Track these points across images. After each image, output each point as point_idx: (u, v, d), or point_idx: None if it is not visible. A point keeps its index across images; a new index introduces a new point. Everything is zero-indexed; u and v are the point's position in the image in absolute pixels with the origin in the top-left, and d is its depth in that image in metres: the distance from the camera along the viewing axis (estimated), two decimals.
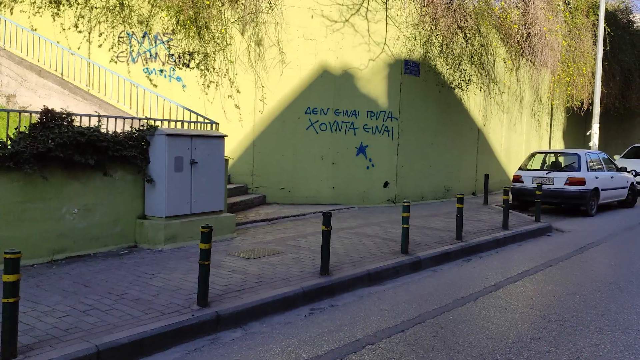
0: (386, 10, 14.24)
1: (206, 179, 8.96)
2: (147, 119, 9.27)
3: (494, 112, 18.43)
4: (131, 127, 8.83)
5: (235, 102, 13.11)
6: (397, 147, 14.78)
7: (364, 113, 14.22)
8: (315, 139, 13.72)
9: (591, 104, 21.22)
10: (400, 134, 14.80)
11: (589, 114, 21.70)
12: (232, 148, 13.06)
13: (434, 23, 15.12)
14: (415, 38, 14.81)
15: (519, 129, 20.13)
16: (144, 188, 8.51)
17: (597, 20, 20.42)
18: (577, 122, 24.63)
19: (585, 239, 11.11)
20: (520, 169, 15.72)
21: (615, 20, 24.17)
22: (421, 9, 14.84)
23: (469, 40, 16.24)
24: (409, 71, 14.89)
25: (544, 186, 14.39)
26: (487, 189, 15.50)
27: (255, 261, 7.74)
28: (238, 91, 13.12)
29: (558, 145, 23.71)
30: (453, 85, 16.15)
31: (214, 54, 12.96)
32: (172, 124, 10.35)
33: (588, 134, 20.59)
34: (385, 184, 14.70)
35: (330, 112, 13.82)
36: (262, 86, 13.24)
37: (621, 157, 20.70)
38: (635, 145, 21.54)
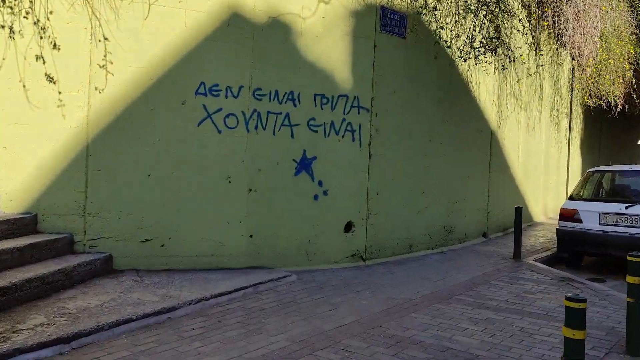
0: None
1: None
2: None
3: (510, 108, 12.24)
4: None
5: (48, 68, 6.49)
6: (367, 161, 8.38)
7: (309, 98, 7.79)
8: (216, 143, 7.21)
9: (630, 103, 15.39)
10: (373, 137, 8.41)
11: (630, 116, 15.84)
12: (37, 162, 6.45)
13: None
14: None
15: (537, 134, 14.01)
16: None
17: None
18: (591, 126, 18.72)
19: None
20: (571, 198, 9.50)
21: None
22: None
23: None
24: (388, 27, 8.53)
25: (620, 230, 8.29)
26: (519, 234, 9.15)
27: None
28: (55, 46, 6.50)
29: (576, 158, 17.74)
30: (457, 56, 9.87)
31: None
32: None
33: None
34: (348, 226, 8.27)
35: (244, 94, 7.33)
36: (105, 38, 6.65)
37: None
38: None
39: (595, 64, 13.99)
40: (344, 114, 8.09)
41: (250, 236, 7.43)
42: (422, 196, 9.37)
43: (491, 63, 10.73)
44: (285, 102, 7.61)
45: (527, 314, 5.85)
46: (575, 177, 17.65)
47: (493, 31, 10.43)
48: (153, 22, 6.84)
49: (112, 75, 6.69)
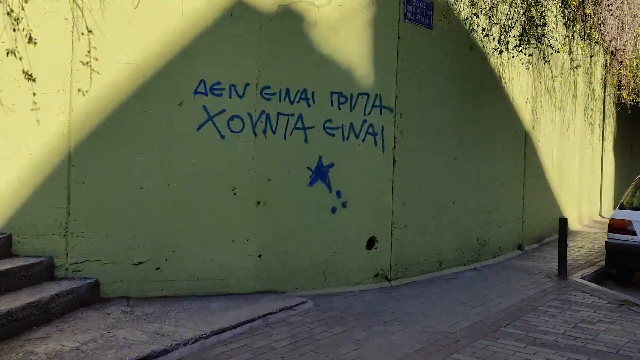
0: None
1: None
2: None
3: (545, 107, 11.17)
4: None
5: (25, 65, 5.59)
6: (391, 167, 7.39)
7: (325, 97, 6.82)
8: (219, 149, 6.26)
9: None
10: (397, 141, 7.41)
11: None
12: (11, 174, 5.56)
13: None
14: None
15: (571, 134, 12.91)
16: None
17: None
18: (623, 126, 17.53)
19: None
20: (622, 207, 8.43)
21: None
22: None
23: None
24: (413, 16, 7.54)
25: None
26: (564, 249, 8.06)
27: None
28: (30, 40, 5.60)
29: (609, 160, 16.57)
30: (490, 49, 8.85)
31: None
32: None
33: None
34: (371, 242, 7.27)
35: (251, 93, 6.38)
36: (89, 31, 5.74)
37: None
38: None
39: (636, 57, 12.87)
40: (365, 114, 7.11)
41: (259, 256, 6.47)
42: (453, 206, 8.35)
43: (528, 56, 9.68)
44: (298, 102, 6.65)
45: (594, 354, 4.81)
46: (609, 181, 16.49)
47: (528, 21, 9.39)
48: (145, 12, 5.92)
49: (98, 73, 5.77)
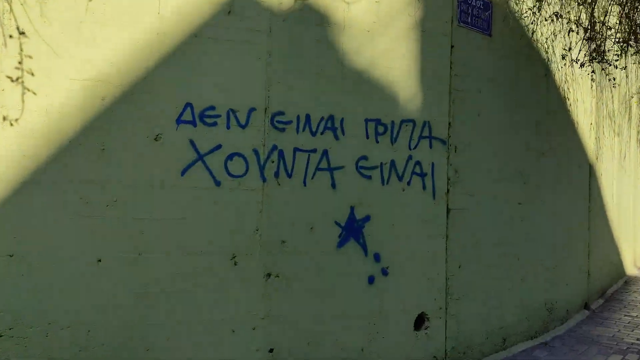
0: None
1: None
2: None
3: (606, 132, 9.35)
4: None
5: None
6: (445, 218, 5.52)
7: (358, 126, 4.98)
8: (213, 202, 4.41)
9: None
10: (452, 183, 5.56)
11: None
12: None
13: None
14: None
15: (627, 165, 11.07)
16: None
17: None
18: None
19: None
20: None
21: None
22: None
23: None
24: (467, 19, 5.74)
25: None
26: None
27: None
28: None
29: None
30: (555, 61, 7.05)
31: None
32: None
33: None
34: (420, 321, 5.37)
35: (257, 121, 4.55)
36: (21, 33, 3.91)
37: None
38: None
39: None
40: (410, 148, 5.27)
41: (270, 350, 4.56)
42: (517, 263, 6.45)
43: (591, 73, 7.89)
44: (322, 133, 4.82)
45: None
46: None
47: (588, 33, 7.61)
48: (105, 8, 4.11)
49: (34, 94, 3.94)
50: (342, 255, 4.90)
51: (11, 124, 3.87)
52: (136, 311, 4.18)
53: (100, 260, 4.09)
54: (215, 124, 4.41)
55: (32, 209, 3.91)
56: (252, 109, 4.53)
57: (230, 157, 4.45)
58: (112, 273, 4.12)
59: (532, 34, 6.61)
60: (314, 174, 4.78)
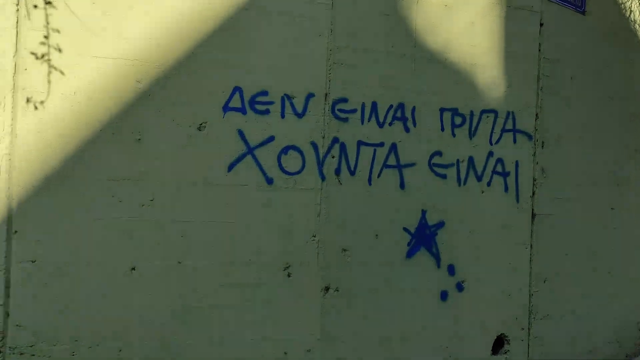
0: None
1: None
2: None
3: None
4: None
5: None
6: (529, 225, 4.75)
7: (432, 116, 4.29)
8: (264, 203, 3.81)
9: None
10: (538, 184, 4.78)
11: None
12: None
13: None
14: None
15: None
16: None
17: None
18: None
19: None
20: None
21: None
22: None
23: None
24: None
25: None
26: None
27: None
28: None
29: None
30: None
31: None
32: None
33: None
34: (499, 343, 4.64)
35: (316, 109, 3.92)
36: (48, 2, 3.37)
37: None
38: None
39: None
40: (491, 143, 4.53)
41: None
42: (608, 277, 5.59)
43: None
44: (391, 124, 4.15)
45: None
46: None
47: None
48: None
49: (62, 74, 3.39)
50: (412, 267, 4.22)
51: (35, 107, 3.34)
52: (173, 328, 3.61)
53: (134, 269, 3.53)
54: (267, 111, 3.80)
55: (56, 208, 3.38)
56: (311, 95, 3.89)
57: (284, 150, 3.83)
58: (147, 283, 3.55)
59: (630, 13, 5.72)
60: (381, 171, 4.12)
